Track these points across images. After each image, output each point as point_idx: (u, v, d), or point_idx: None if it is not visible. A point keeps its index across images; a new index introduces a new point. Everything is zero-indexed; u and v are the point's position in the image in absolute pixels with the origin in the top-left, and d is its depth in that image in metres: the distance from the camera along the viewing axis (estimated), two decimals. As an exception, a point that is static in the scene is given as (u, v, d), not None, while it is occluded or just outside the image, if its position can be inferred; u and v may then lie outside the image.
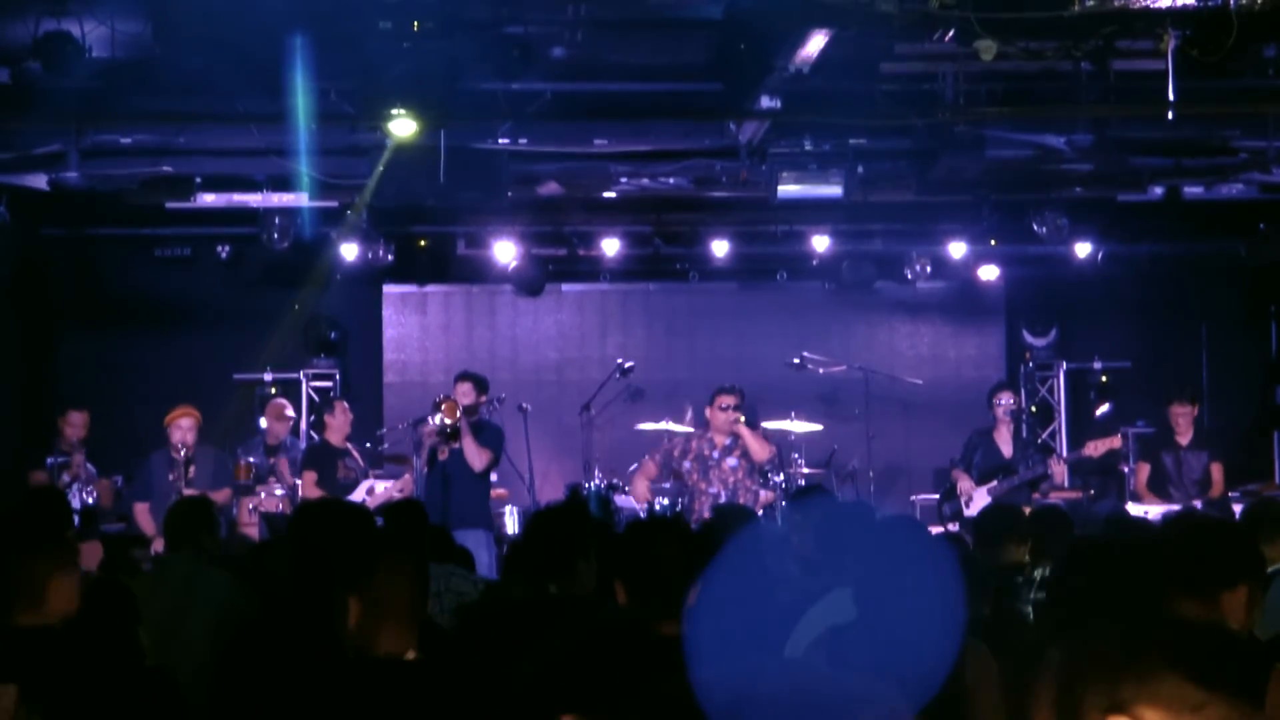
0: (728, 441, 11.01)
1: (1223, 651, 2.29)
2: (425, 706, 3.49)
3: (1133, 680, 2.25)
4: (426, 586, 3.70)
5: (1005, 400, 11.63)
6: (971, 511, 11.01)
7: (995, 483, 11.27)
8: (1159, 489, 11.55)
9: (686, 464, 11.04)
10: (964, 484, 11.41)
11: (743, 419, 11.01)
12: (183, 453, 10.84)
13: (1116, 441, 12.04)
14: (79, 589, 3.60)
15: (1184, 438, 11.52)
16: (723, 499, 10.82)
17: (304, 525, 5.28)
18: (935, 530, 11.16)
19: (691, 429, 12.15)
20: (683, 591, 3.67)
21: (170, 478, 10.80)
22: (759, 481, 11.30)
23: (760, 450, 11.06)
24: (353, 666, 3.58)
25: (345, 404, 11.97)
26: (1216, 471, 11.46)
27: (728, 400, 10.96)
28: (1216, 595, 3.63)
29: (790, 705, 2.09)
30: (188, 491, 10.35)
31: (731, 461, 11.06)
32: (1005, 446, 11.51)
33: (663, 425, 12.59)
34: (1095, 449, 11.73)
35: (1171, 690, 2.22)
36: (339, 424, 11.68)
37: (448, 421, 10.87)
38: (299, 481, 11.49)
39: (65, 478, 11.14)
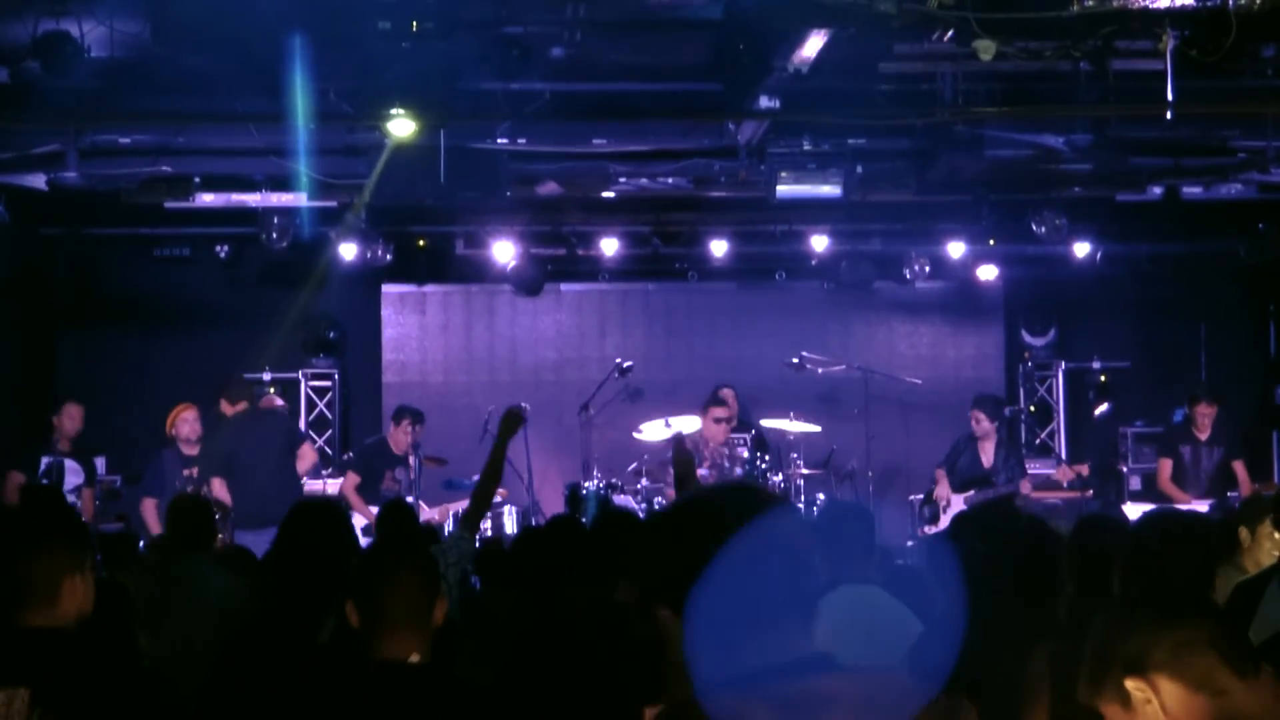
0: (727, 451, 11.27)
1: (1250, 646, 2.29)
2: (422, 709, 3.49)
3: (1167, 648, 2.25)
4: (430, 589, 3.68)
5: (980, 420, 11.59)
6: (947, 518, 11.11)
7: (972, 493, 11.34)
8: (1179, 483, 11.55)
9: (703, 470, 11.21)
10: (941, 489, 11.55)
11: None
12: (197, 448, 10.89)
13: (1084, 469, 12.50)
14: (93, 589, 3.58)
15: (1203, 433, 11.56)
16: None
17: (296, 527, 5.26)
18: (932, 530, 11.27)
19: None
20: (688, 588, 3.67)
21: (184, 474, 10.82)
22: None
23: None
24: (352, 669, 3.58)
25: (412, 425, 11.78)
26: (1240, 470, 11.50)
27: (723, 412, 11.21)
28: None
29: (794, 705, 2.08)
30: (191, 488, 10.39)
31: (738, 470, 11.27)
32: (986, 456, 11.53)
33: (662, 425, 12.62)
34: (1064, 474, 12.28)
35: (1203, 668, 2.22)
36: (404, 439, 11.68)
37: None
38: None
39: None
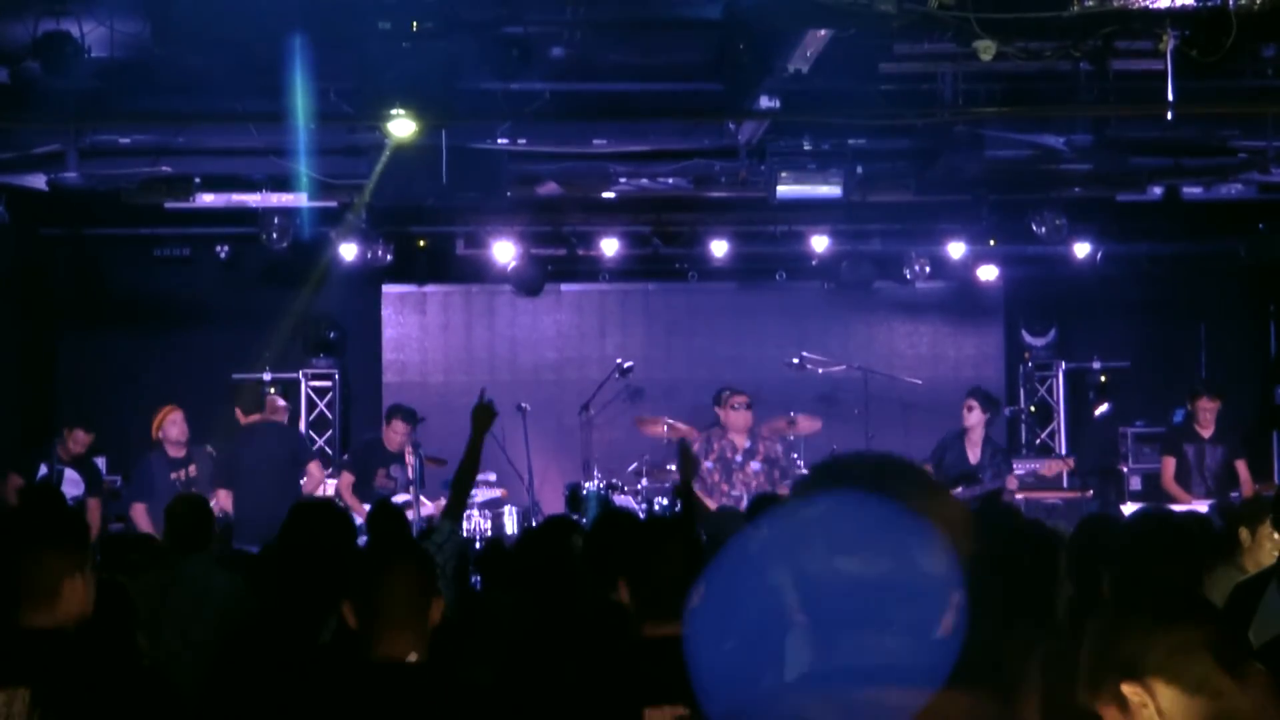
0: (748, 444, 11.19)
1: (1246, 647, 2.29)
2: (422, 709, 3.49)
3: (1163, 651, 2.24)
4: (427, 588, 3.68)
5: (973, 408, 11.61)
6: None
7: (960, 489, 11.32)
8: (1183, 482, 11.56)
9: (708, 464, 11.16)
10: None
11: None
12: (184, 450, 10.88)
13: (1070, 463, 12.55)
14: (93, 590, 3.57)
15: (1206, 430, 11.57)
16: (744, 503, 10.86)
17: (296, 527, 5.25)
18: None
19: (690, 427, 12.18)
20: (686, 592, 3.67)
21: (172, 476, 10.80)
22: (786, 485, 11.31)
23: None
24: (349, 669, 3.58)
25: (404, 425, 11.81)
26: (1243, 469, 11.51)
27: (741, 400, 11.17)
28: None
29: (857, 712, 2.04)
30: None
31: (755, 465, 11.21)
32: (973, 452, 11.54)
33: (662, 423, 12.62)
34: (1049, 469, 12.45)
35: (1200, 672, 2.21)
36: (396, 437, 11.69)
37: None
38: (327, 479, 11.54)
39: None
